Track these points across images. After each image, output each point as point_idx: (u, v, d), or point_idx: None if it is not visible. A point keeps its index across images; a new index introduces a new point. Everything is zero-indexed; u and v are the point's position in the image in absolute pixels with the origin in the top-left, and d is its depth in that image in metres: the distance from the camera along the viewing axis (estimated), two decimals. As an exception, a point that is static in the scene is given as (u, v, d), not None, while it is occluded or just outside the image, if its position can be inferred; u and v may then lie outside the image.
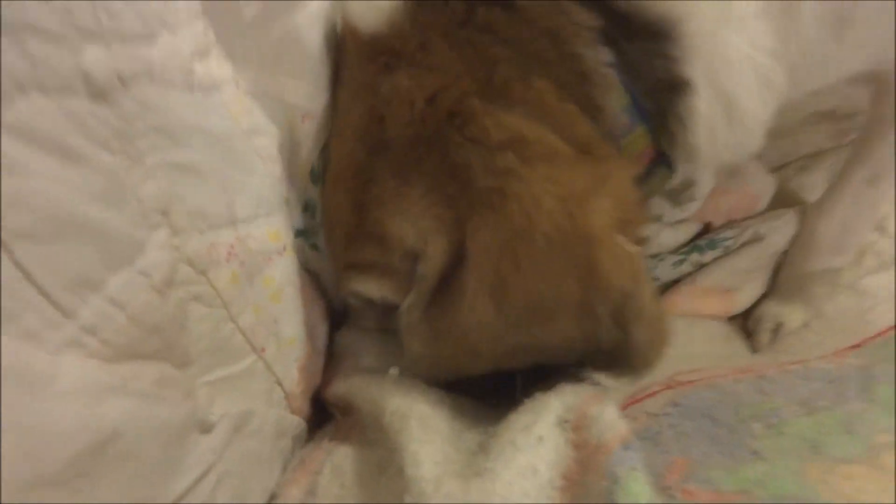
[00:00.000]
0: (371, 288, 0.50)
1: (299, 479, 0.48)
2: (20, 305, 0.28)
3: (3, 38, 0.27)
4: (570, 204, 0.42)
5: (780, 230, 0.75)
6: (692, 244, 0.76)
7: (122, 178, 0.32)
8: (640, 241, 0.47)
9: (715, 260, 0.75)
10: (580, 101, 0.46)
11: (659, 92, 0.48)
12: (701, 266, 0.75)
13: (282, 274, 0.47)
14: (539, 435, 0.40)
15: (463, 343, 0.45)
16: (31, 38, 0.28)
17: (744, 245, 0.75)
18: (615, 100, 0.47)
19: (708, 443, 0.47)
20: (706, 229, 0.80)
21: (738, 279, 0.75)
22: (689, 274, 0.75)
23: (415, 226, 0.45)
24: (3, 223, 0.26)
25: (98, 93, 0.31)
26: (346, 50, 0.51)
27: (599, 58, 0.46)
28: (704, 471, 0.44)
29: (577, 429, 0.41)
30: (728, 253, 0.75)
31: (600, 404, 0.42)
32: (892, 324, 0.68)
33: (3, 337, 0.27)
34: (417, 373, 0.50)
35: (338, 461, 0.49)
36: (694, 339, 0.74)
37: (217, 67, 0.42)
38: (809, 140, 0.89)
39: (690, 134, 0.50)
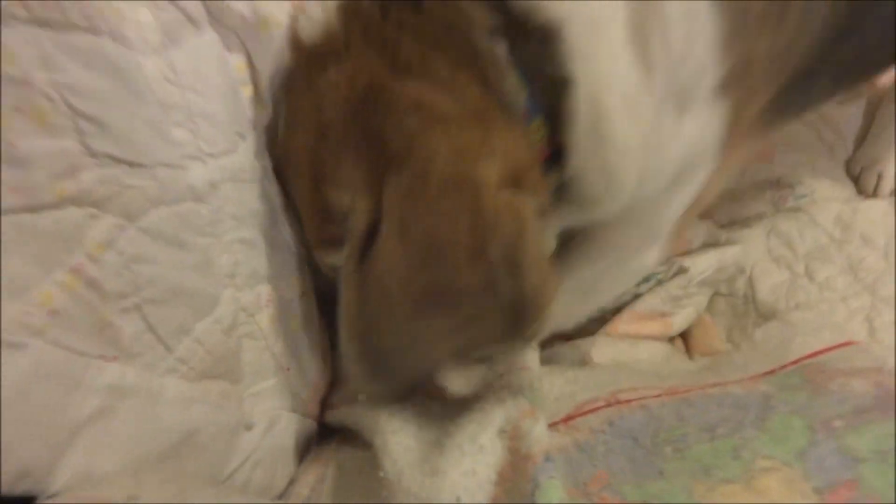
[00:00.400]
0: (337, 259, 0.54)
1: (313, 470, 0.60)
2: (145, 346, 0.42)
3: (140, 170, 0.41)
4: (460, 157, 0.48)
5: (700, 261, 0.89)
6: None
7: (209, 255, 0.47)
8: (541, 204, 0.52)
9: (650, 290, 0.88)
10: (473, 74, 0.51)
11: (552, 87, 0.52)
12: (637, 295, 0.88)
13: (303, 311, 0.61)
14: (481, 444, 0.50)
15: (380, 287, 0.49)
16: (161, 169, 0.42)
17: (672, 276, 0.88)
18: (513, 84, 0.52)
19: (627, 461, 0.54)
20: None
21: (670, 305, 0.88)
22: (629, 302, 0.87)
23: (347, 191, 0.51)
24: (141, 295, 0.40)
25: (198, 197, 0.46)
26: (292, 63, 0.57)
27: (493, 46, 0.51)
28: (619, 484, 0.51)
29: (513, 438, 0.51)
30: (660, 284, 0.88)
31: (533, 420, 0.52)
32: (803, 355, 0.74)
33: (134, 367, 0.41)
34: (347, 338, 0.52)
35: (342, 459, 0.61)
36: (639, 358, 0.84)
37: (268, 160, 0.56)
38: (754, 205, 1.02)
39: (574, 129, 0.53)
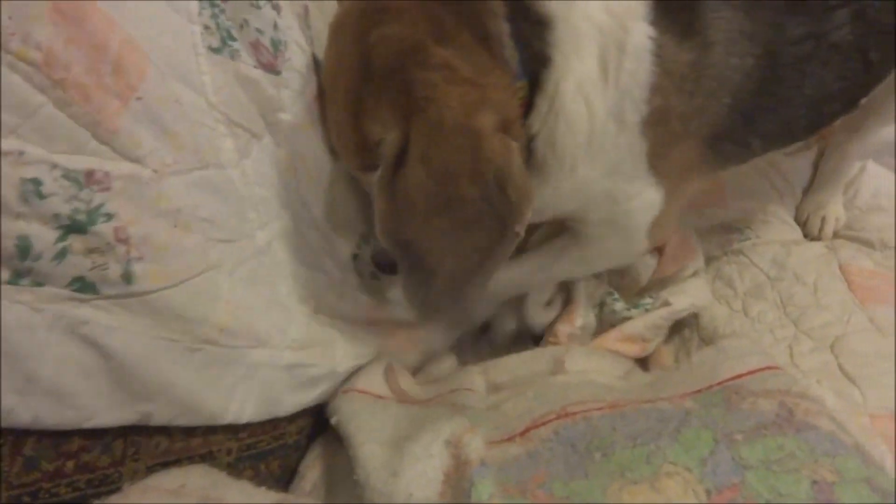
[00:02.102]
0: (371, 177, 0.68)
1: (311, 473, 0.75)
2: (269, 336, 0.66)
3: (233, 244, 0.62)
4: (467, 108, 0.62)
5: (681, 300, 1.02)
6: (632, 302, 1.04)
7: (276, 286, 0.70)
8: (519, 140, 0.67)
9: (638, 315, 1.01)
10: (487, 48, 0.66)
11: (536, 61, 0.68)
12: (627, 319, 1.01)
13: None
14: (431, 452, 0.62)
15: (406, 197, 0.64)
16: (245, 240, 0.64)
17: (657, 308, 1.02)
18: (511, 54, 0.66)
19: (562, 464, 0.63)
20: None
21: (650, 332, 1.01)
22: (620, 323, 1.01)
23: (381, 125, 0.65)
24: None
25: (261, 252, 0.67)
26: (348, 8, 0.70)
27: (502, 28, 0.66)
28: (550, 483, 0.60)
29: (456, 447, 0.62)
30: (647, 312, 1.01)
31: (472, 435, 0.64)
32: (727, 377, 0.79)
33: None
34: (381, 234, 0.68)
35: (332, 464, 0.76)
36: (603, 371, 0.93)
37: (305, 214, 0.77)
38: (705, 247, 1.13)
39: (540, 95, 0.69)
